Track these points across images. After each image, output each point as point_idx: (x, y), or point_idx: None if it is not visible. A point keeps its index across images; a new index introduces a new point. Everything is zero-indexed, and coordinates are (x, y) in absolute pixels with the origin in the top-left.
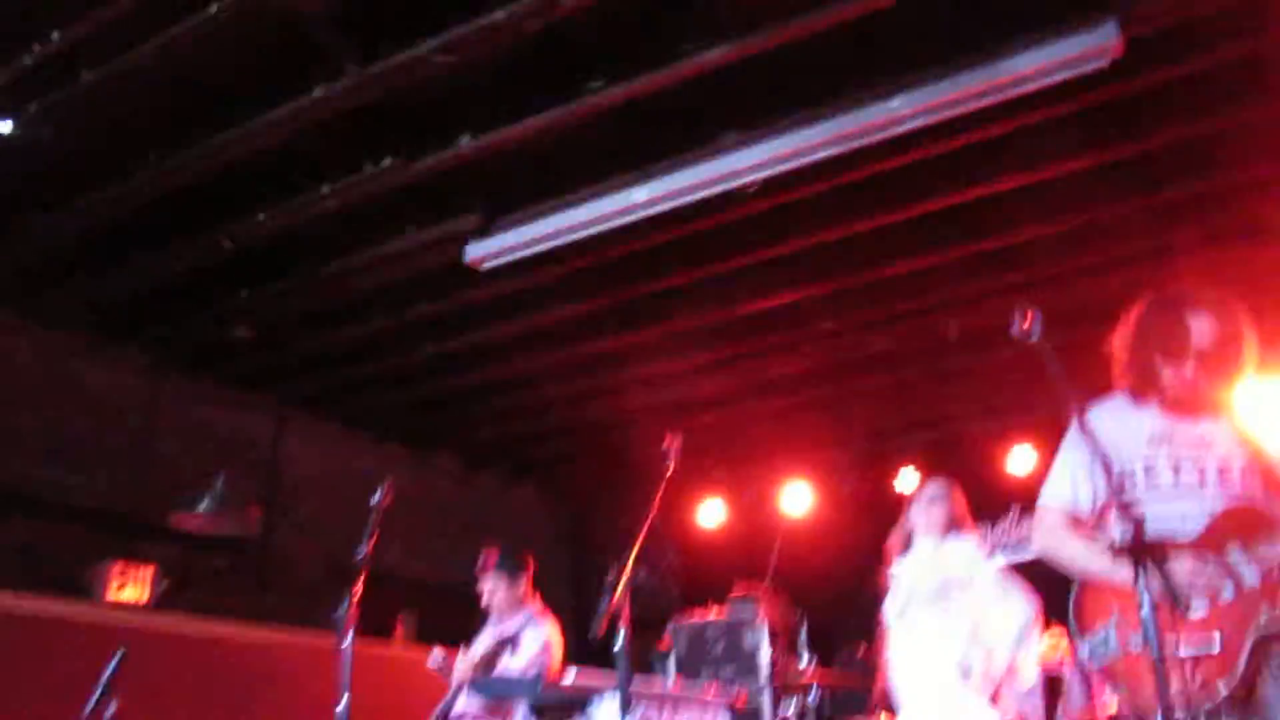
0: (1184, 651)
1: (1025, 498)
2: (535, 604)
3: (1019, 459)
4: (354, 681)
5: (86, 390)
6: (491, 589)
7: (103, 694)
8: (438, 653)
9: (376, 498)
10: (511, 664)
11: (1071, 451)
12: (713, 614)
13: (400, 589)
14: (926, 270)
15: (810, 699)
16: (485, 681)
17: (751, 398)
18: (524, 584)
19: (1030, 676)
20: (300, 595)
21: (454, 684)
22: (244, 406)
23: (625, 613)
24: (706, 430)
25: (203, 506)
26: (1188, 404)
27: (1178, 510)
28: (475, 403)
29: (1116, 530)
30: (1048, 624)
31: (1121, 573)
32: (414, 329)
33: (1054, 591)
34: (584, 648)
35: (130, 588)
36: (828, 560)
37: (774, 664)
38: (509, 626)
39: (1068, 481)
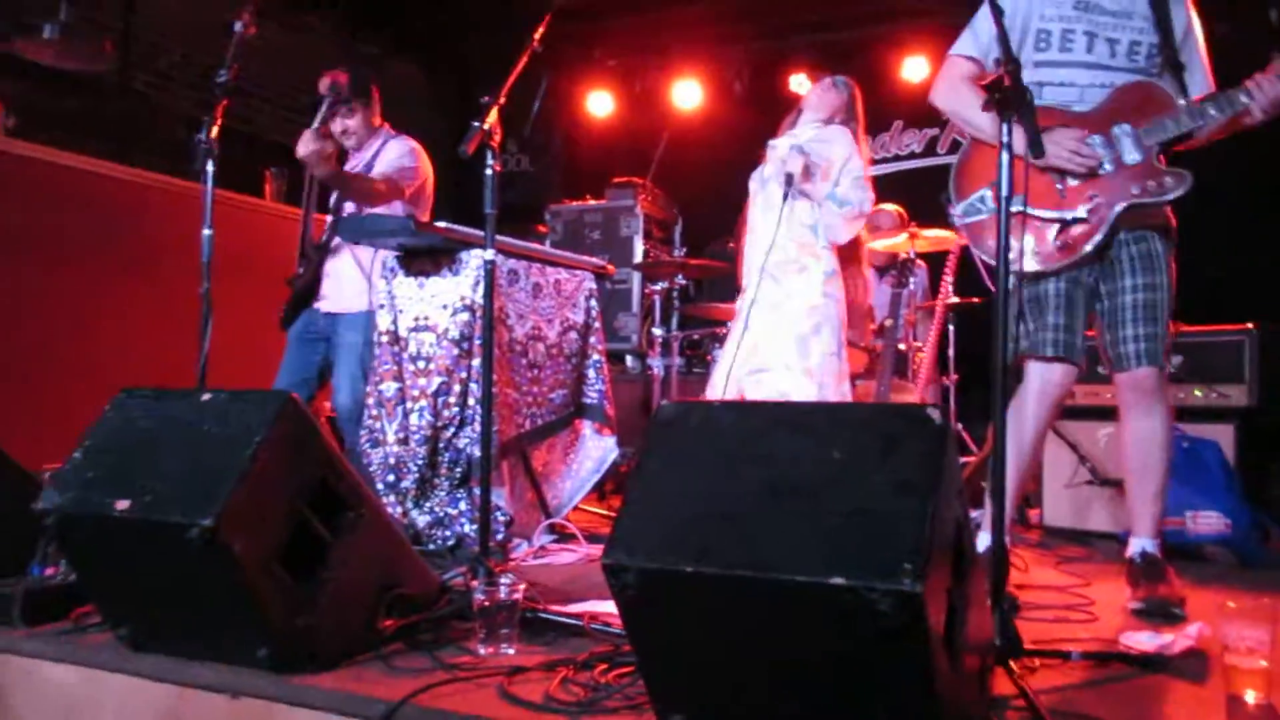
0: (1053, 214)
1: (910, 113)
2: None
3: (912, 69)
4: (222, 228)
5: None
6: (346, 114)
7: None
8: None
9: (238, 26)
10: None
11: (990, 4)
12: (591, 202)
13: (271, 152)
14: None
15: (677, 283)
16: (350, 221)
17: None
18: (377, 109)
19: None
20: (164, 149)
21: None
22: None
23: (496, 138)
24: (598, 17)
25: (48, 34)
26: None
27: (1083, 79)
28: None
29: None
30: (906, 223)
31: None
32: None
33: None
34: (459, 216)
35: None
36: (712, 161)
37: (647, 252)
38: (366, 154)
39: (979, 32)
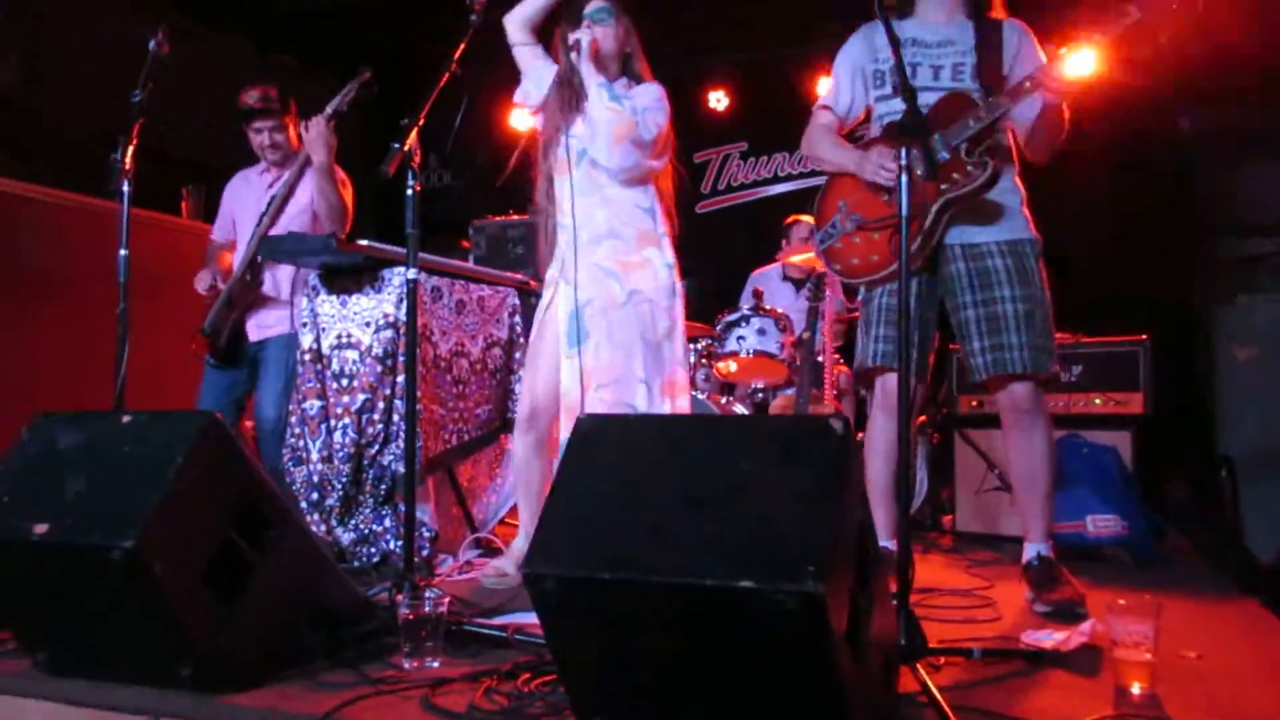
0: (885, 219)
1: None
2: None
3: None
4: (137, 247)
5: None
6: (276, 129)
7: None
8: (205, 275)
9: (153, 44)
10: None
11: (843, 55)
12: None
13: (186, 171)
14: None
15: None
16: (272, 241)
17: None
18: (295, 127)
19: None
20: (73, 167)
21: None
22: None
23: (416, 159)
24: None
25: None
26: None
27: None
28: None
29: (874, 128)
30: None
31: (851, 164)
32: None
33: None
34: (381, 233)
35: None
36: None
37: None
38: (288, 173)
39: (834, 85)
